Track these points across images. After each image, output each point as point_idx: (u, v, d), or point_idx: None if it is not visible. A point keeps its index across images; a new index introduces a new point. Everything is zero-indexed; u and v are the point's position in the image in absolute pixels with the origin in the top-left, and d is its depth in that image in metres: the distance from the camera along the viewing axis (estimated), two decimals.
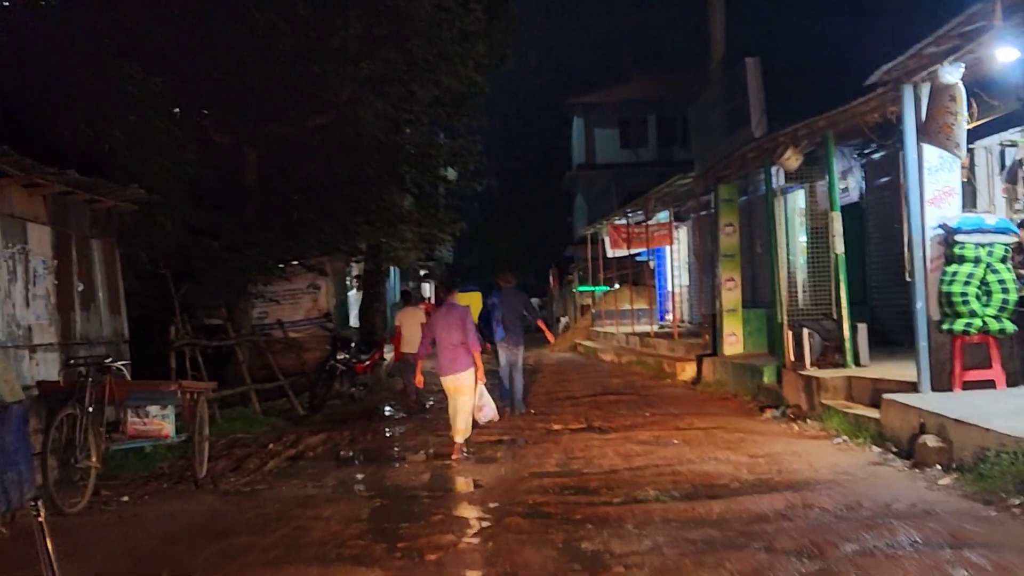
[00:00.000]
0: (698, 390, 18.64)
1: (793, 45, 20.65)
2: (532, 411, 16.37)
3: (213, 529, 8.36)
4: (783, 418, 13.75)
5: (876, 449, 10.60)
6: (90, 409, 9.33)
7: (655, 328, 27.84)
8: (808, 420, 13.09)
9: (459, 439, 11.92)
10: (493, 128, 20.40)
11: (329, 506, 9.12)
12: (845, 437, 11.47)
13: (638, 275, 35.07)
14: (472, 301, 38.09)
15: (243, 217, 17.74)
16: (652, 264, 35.33)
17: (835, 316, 14.94)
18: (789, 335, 14.78)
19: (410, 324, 20.43)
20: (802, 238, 21.04)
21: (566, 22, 61.66)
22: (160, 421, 10.13)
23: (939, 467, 9.10)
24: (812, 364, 14.18)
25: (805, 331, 14.27)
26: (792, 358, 14.66)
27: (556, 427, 14.27)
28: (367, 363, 19.71)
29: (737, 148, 17.65)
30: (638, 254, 33.66)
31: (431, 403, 18.48)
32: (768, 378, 15.90)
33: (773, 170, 18.36)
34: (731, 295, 18.99)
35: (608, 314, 35.52)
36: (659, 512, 8.09)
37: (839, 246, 14.17)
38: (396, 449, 12.96)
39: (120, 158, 13.31)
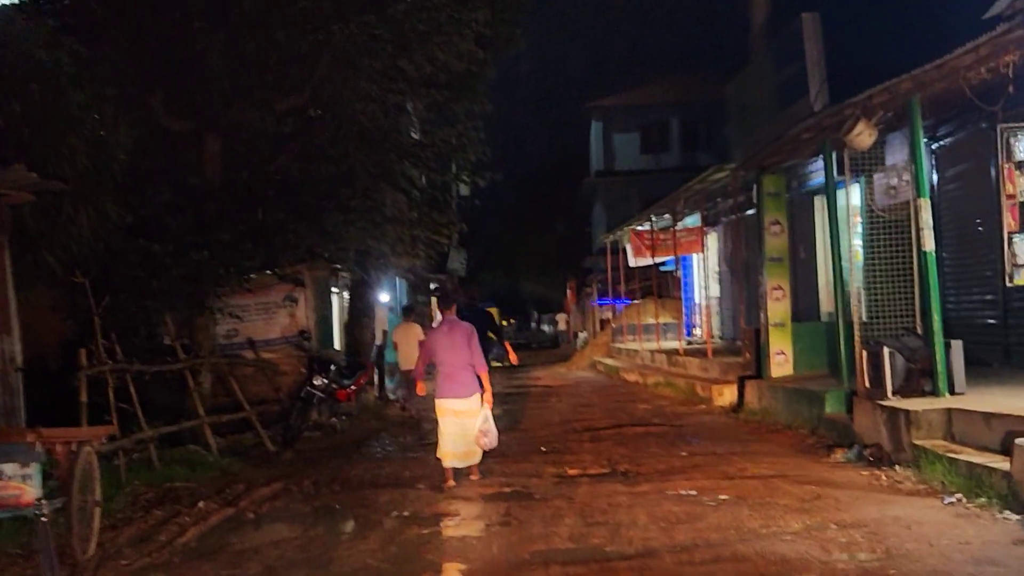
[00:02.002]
0: (740, 419, 15.66)
1: None
2: (543, 448, 13.51)
3: None
4: (860, 462, 10.78)
5: (1013, 516, 7.64)
6: None
7: (684, 345, 24.85)
8: (897, 467, 10.12)
9: (475, 460, 11.04)
10: (507, 134, 17.61)
11: None
12: (959, 495, 8.50)
13: (662, 286, 32.20)
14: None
15: (202, 216, 14.92)
16: (678, 274, 32.53)
17: (920, 331, 12.05)
18: (863, 355, 11.80)
19: (407, 340, 18.29)
20: (856, 241, 18.38)
21: (583, 22, 58.98)
22: (19, 484, 7.22)
23: None
24: (894, 392, 11.21)
25: (885, 350, 11.28)
26: (867, 384, 11.69)
27: (571, 472, 11.37)
28: (351, 389, 16.78)
29: (789, 127, 14.62)
30: (663, 263, 30.78)
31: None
32: (832, 407, 12.96)
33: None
34: (779, 306, 16.04)
35: (631, 329, 32.59)
36: None
37: (929, 242, 11.20)
38: (364, 505, 9.98)
39: (18, 136, 10.54)
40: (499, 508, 9.46)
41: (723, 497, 9.29)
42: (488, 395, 11.13)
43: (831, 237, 13.83)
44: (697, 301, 31.42)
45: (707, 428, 14.90)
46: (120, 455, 11.34)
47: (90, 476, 8.14)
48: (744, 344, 17.64)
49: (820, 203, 20.02)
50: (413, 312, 21.17)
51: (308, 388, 15.66)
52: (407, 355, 19.02)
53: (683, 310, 30.78)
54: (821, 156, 17.25)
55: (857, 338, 12.23)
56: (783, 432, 13.74)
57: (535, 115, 60.90)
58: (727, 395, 17.55)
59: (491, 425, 11.08)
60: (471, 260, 57.58)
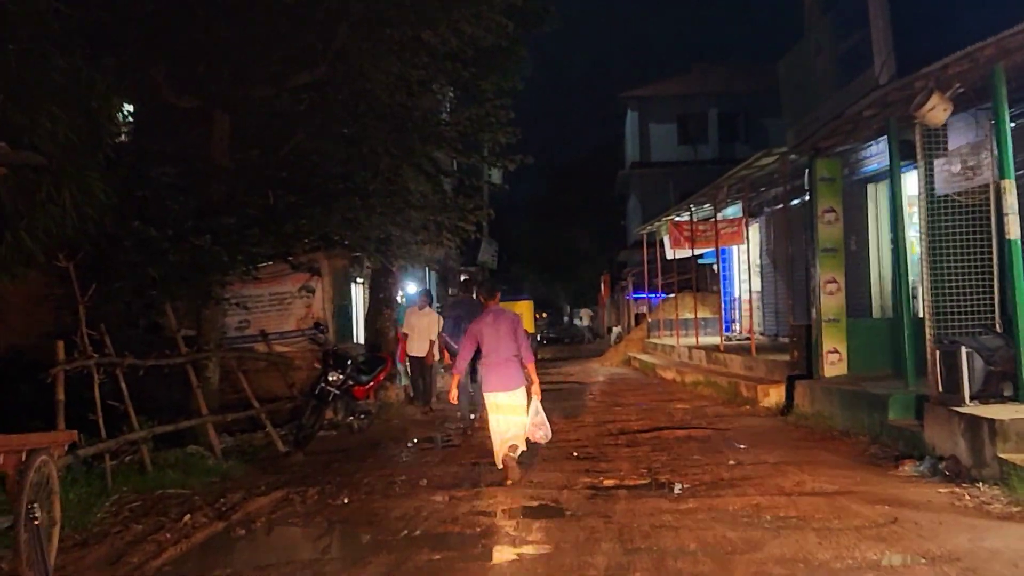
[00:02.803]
0: (790, 423, 14.39)
1: None
2: (575, 453, 12.33)
3: None
4: (935, 477, 9.52)
5: None
6: None
7: (725, 341, 23.54)
8: (980, 484, 8.86)
9: (513, 455, 10.50)
10: (540, 126, 16.33)
11: None
12: None
13: (699, 280, 30.90)
14: (525, 311, 34.10)
15: (210, 200, 13.75)
16: (717, 268, 31.23)
17: (999, 328, 10.78)
18: (936, 355, 10.52)
19: (425, 330, 17.92)
20: (911, 232, 17.24)
21: (621, 11, 57.83)
22: None
23: None
24: (972, 397, 9.94)
25: (963, 350, 10.00)
26: (940, 388, 10.42)
27: (607, 482, 10.19)
28: (369, 385, 15.60)
29: (848, 106, 13.29)
30: (700, 256, 29.46)
31: (459, 426, 15.37)
32: (897, 413, 11.69)
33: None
34: (832, 300, 14.75)
35: (667, 324, 31.32)
36: None
37: (1014, 229, 9.90)
38: (372, 521, 8.79)
39: None
40: (525, 527, 8.28)
41: (785, 518, 8.07)
42: (536, 387, 10.77)
43: (895, 226, 12.53)
44: (736, 295, 30.15)
45: (754, 433, 13.65)
46: (106, 459, 10.24)
47: (46, 490, 7.00)
48: (793, 341, 16.38)
49: (873, 191, 18.77)
50: (432, 301, 20.03)
51: (322, 385, 14.52)
52: (419, 343, 17.93)
53: (722, 305, 29.54)
54: (878, 139, 16.14)
55: (929, 336, 10.96)
56: (840, 439, 12.48)
57: (569, 106, 59.88)
58: (773, 396, 16.31)
59: (543, 418, 10.70)
60: (503, 253, 56.42)
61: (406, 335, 18.38)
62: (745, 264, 27.82)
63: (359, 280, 22.97)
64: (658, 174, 46.59)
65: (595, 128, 58.71)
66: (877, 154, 17.36)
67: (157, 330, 13.83)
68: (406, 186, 15.83)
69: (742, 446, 12.36)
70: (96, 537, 8.25)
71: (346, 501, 9.74)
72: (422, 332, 18.16)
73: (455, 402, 11.59)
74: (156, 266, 11.99)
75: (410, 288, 30.13)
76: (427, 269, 34.64)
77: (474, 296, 15.97)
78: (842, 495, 8.88)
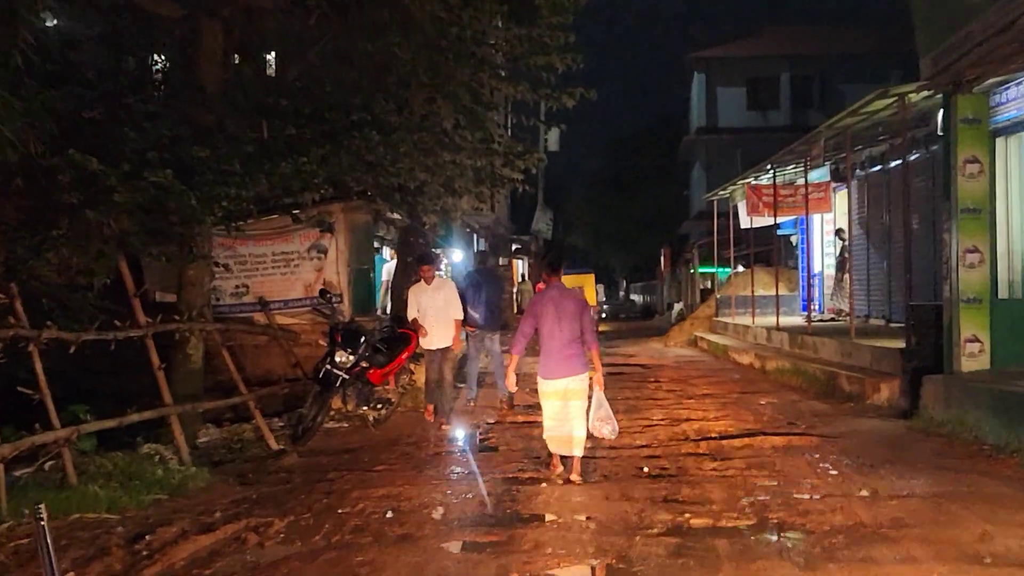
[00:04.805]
0: (917, 430, 11.24)
1: None
2: (645, 468, 9.37)
3: None
4: None
5: None
6: None
7: (812, 323, 20.36)
8: None
9: (577, 452, 9.20)
10: (599, 90, 13.08)
11: None
12: None
13: (771, 253, 27.76)
14: (587, 285, 31.08)
15: (193, 128, 10.79)
16: (795, 239, 28.06)
17: None
18: None
19: (431, 308, 12.91)
20: None
21: None
22: None
23: None
24: None
25: None
26: None
27: (695, 522, 7.22)
28: (388, 368, 12.57)
29: (1016, 18, 10.00)
30: (777, 226, 26.27)
31: (487, 431, 12.23)
32: None
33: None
34: (974, 275, 11.65)
35: (740, 301, 28.19)
36: None
37: None
38: None
39: None
40: None
41: None
42: (599, 376, 9.51)
43: None
44: (818, 270, 26.89)
45: (874, 442, 10.57)
46: None
47: None
48: (911, 326, 13.22)
49: (1003, 146, 15.56)
50: (436, 264, 15.23)
51: (327, 367, 11.62)
52: (445, 333, 13.04)
53: (799, 281, 26.34)
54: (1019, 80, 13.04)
55: None
56: (995, 458, 9.40)
57: (631, 68, 56.95)
58: (885, 392, 13.27)
59: (608, 411, 9.37)
60: (558, 223, 53.61)
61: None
62: (830, 235, 24.60)
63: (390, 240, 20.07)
64: (725, 141, 44.20)
65: (657, 94, 55.59)
66: (1015, 99, 14.15)
67: (119, 295, 10.91)
68: (440, 124, 12.82)
69: (867, 464, 9.28)
70: None
71: (322, 543, 6.80)
72: (438, 314, 12.90)
73: (513, 388, 10.32)
74: (97, 209, 9.09)
75: (455, 255, 27.28)
76: (475, 235, 31.81)
77: (490, 266, 14.63)
78: None
